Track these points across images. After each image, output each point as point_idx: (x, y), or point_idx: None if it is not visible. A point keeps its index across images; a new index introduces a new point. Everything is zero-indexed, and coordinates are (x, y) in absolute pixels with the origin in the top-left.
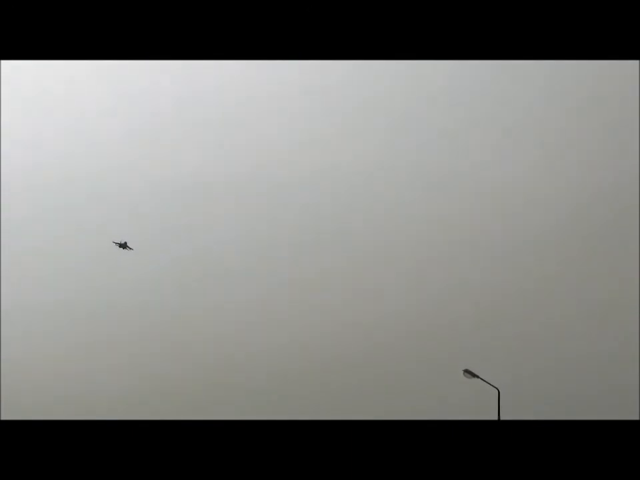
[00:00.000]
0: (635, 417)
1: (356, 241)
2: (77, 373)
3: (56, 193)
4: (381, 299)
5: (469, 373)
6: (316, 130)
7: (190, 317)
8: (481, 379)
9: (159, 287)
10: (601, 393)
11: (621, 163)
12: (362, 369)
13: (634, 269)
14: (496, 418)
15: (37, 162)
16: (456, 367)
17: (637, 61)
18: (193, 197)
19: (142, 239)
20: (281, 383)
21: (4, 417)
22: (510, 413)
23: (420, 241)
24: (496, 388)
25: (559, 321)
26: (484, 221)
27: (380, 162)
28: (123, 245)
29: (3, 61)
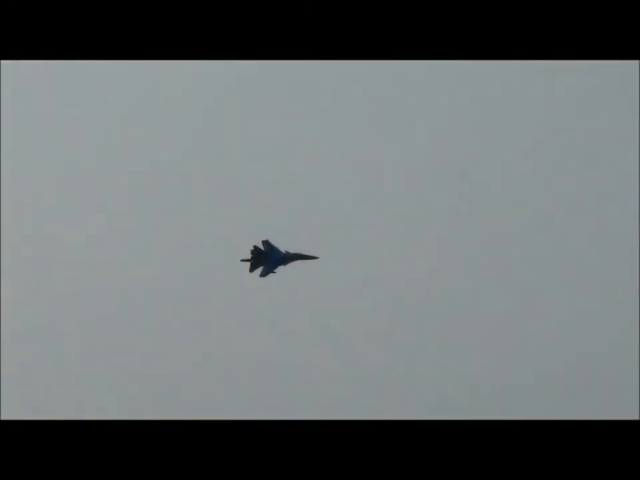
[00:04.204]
0: (635, 417)
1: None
2: (77, 373)
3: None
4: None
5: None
6: (316, 130)
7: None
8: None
9: (161, 289)
10: (601, 393)
11: (620, 164)
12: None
13: (634, 269)
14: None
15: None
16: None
17: (637, 61)
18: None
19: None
20: (280, 383)
21: (4, 417)
22: (510, 413)
23: (422, 246)
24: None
25: (559, 321)
26: (481, 219)
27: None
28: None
29: (2, 61)
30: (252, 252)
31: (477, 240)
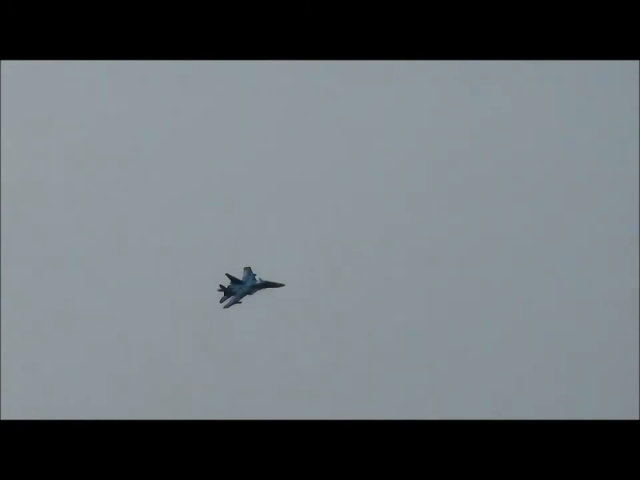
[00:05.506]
0: (635, 417)
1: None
2: (77, 373)
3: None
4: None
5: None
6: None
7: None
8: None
9: (160, 288)
10: (601, 393)
11: (620, 163)
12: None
13: (634, 269)
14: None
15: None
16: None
17: (637, 61)
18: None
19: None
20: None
21: (4, 417)
22: (510, 413)
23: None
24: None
25: (559, 321)
26: (481, 217)
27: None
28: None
29: (3, 61)
30: (230, 279)
31: (477, 242)
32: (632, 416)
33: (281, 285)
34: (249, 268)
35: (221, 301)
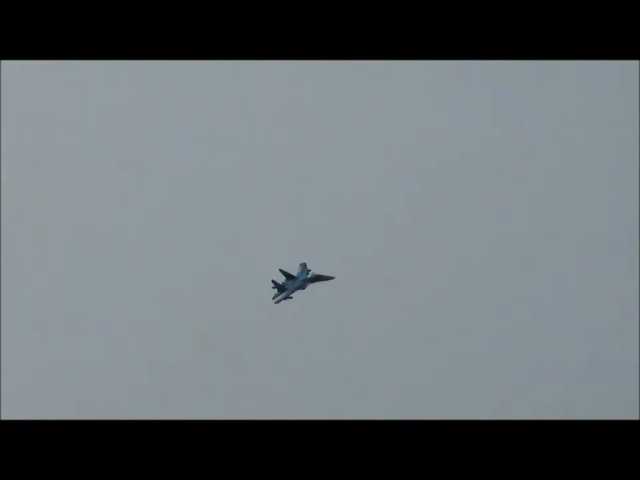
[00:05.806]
0: (635, 417)
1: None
2: (77, 373)
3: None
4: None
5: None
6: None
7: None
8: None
9: (163, 290)
10: (601, 393)
11: (620, 163)
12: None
13: (634, 270)
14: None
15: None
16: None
17: (637, 61)
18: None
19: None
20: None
21: (4, 417)
22: (510, 413)
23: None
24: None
25: (559, 321)
26: (481, 217)
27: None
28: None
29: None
30: (284, 275)
31: (477, 242)
32: (632, 416)
33: (332, 278)
34: (304, 264)
35: (273, 297)
